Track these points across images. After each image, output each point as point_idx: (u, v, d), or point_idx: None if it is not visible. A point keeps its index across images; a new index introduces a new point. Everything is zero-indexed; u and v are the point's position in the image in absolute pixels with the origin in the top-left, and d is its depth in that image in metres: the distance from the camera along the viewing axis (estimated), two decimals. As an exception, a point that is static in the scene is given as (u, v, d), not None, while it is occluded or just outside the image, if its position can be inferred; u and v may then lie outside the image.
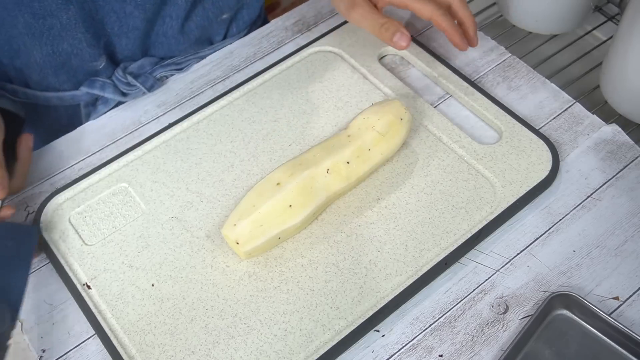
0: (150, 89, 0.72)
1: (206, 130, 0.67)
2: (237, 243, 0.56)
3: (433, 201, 0.61)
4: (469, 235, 0.59)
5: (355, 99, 0.69)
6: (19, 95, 0.76)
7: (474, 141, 0.65)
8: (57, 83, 0.73)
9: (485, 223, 0.59)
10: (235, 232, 0.56)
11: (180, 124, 0.68)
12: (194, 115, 0.68)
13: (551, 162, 0.63)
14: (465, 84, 0.69)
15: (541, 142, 0.65)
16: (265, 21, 0.86)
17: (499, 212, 0.60)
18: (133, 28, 0.70)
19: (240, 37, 0.79)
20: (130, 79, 0.72)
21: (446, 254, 0.58)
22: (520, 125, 0.66)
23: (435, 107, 0.69)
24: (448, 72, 0.71)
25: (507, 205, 0.60)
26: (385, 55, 0.74)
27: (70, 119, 0.78)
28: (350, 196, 0.62)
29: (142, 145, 0.66)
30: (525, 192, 0.61)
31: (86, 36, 0.68)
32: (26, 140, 0.64)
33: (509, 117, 0.67)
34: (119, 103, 0.73)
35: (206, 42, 0.79)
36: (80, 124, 0.71)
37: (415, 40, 0.73)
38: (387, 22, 0.65)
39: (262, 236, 0.57)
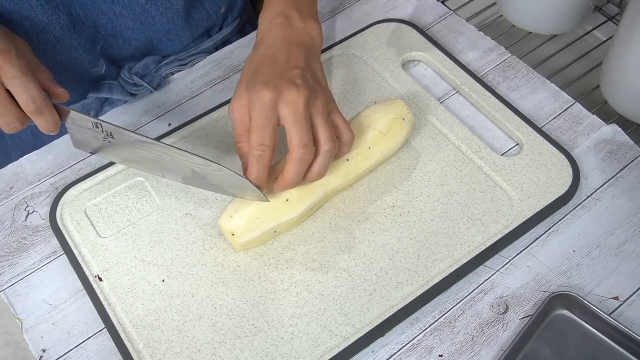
0: (157, 87, 0.72)
1: (225, 128, 0.67)
2: (233, 234, 0.57)
3: (448, 211, 0.61)
4: (483, 247, 0.58)
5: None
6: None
7: (494, 152, 0.64)
8: None
9: (500, 236, 0.59)
10: (231, 224, 0.57)
11: (199, 120, 0.68)
12: (213, 113, 0.68)
13: (571, 177, 0.62)
14: (488, 94, 0.68)
15: (562, 156, 0.63)
16: (254, 5, 0.86)
17: (515, 225, 0.59)
18: (126, 27, 0.69)
19: (235, 26, 0.80)
20: (136, 79, 0.72)
21: (459, 266, 0.57)
22: (541, 138, 0.65)
23: (457, 116, 0.68)
24: (471, 81, 0.70)
25: (524, 220, 0.59)
26: (408, 61, 0.73)
27: None
28: (365, 202, 0.61)
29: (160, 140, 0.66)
30: (543, 207, 0.60)
31: (81, 43, 0.67)
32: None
33: (530, 129, 0.65)
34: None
35: (205, 36, 0.79)
36: None
37: (435, 43, 0.73)
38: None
39: (257, 229, 0.57)
